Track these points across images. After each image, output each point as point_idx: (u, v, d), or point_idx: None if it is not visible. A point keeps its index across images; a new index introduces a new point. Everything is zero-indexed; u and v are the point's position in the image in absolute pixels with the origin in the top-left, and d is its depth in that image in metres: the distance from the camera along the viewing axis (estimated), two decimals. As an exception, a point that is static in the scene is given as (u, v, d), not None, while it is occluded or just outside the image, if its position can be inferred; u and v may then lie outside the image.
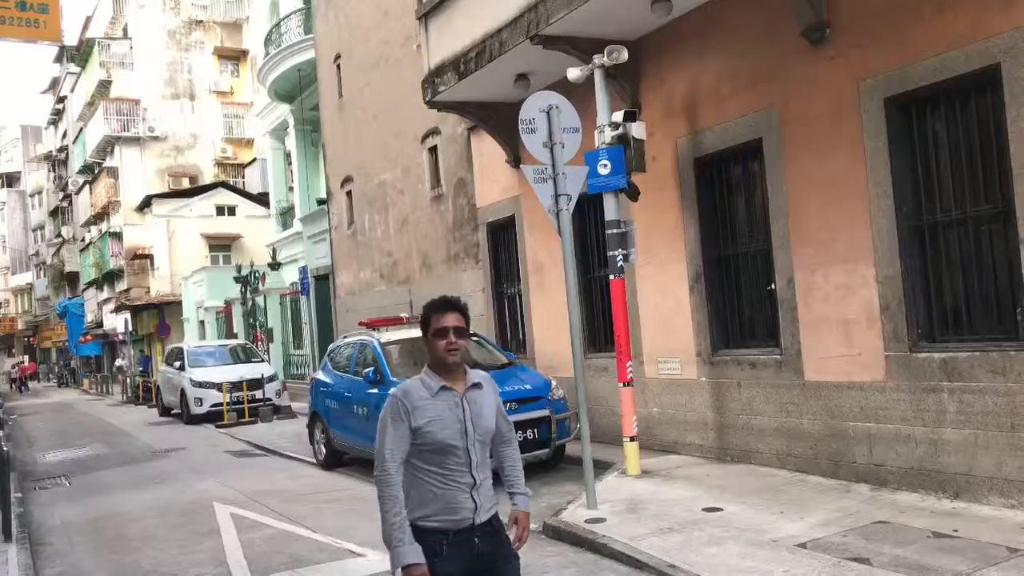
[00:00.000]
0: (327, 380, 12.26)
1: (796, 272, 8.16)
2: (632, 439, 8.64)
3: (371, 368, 10.77)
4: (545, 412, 9.67)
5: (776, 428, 8.46)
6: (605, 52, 8.55)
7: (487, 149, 13.65)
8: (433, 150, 15.97)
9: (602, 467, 9.15)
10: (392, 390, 3.31)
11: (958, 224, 6.93)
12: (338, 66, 20.15)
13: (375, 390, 10.41)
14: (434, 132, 15.73)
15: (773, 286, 8.50)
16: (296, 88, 24.64)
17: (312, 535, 8.03)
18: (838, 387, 7.77)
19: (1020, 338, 6.39)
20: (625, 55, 8.51)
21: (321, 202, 23.62)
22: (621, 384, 8.73)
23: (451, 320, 3.26)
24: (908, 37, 6.96)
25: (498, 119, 12.46)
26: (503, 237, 13.88)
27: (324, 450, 12.14)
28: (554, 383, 10.27)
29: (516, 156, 12.63)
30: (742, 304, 9.20)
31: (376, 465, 3.21)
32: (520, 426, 9.02)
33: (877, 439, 7.41)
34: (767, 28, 8.30)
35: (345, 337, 13.00)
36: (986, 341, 6.64)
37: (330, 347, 13.40)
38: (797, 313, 8.17)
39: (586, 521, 7.09)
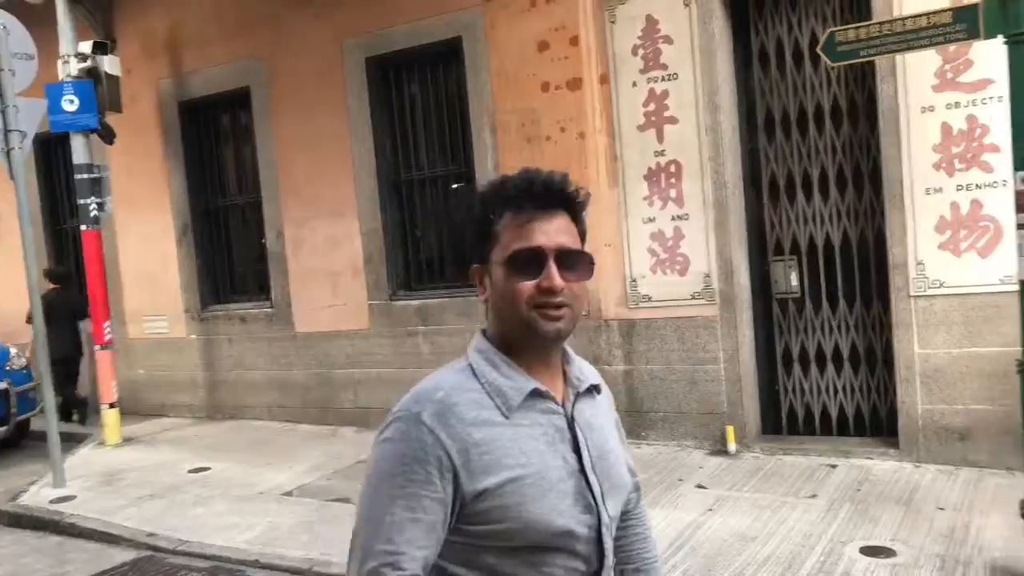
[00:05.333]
0: None
1: (286, 225, 8.17)
2: (112, 406, 7.91)
3: None
4: (2, 385, 8.34)
5: (268, 381, 8.44)
6: (68, -29, 7.52)
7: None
8: None
9: (78, 440, 8.23)
10: (413, 391, 1.42)
11: (431, 182, 7.56)
12: None
13: None
14: None
15: (264, 240, 8.41)
16: None
17: None
18: (327, 336, 8.00)
19: (478, 285, 7.20)
20: (91, -23, 7.58)
21: None
22: (98, 347, 7.92)
23: (555, 234, 1.43)
24: (387, 1, 7.32)
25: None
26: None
27: None
28: (14, 351, 8.90)
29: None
30: (233, 258, 8.96)
31: None
32: (-32, 403, 7.64)
33: (362, 383, 7.82)
34: (255, -27, 8.07)
35: None
36: (453, 288, 7.38)
37: None
38: (287, 266, 8.21)
39: (51, 501, 6.29)
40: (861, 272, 6.00)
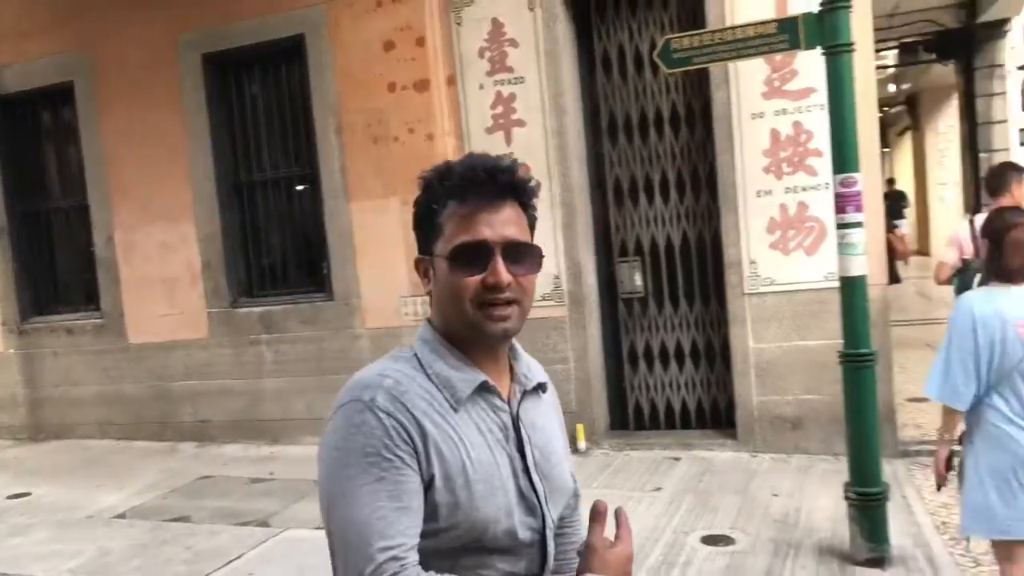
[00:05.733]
0: None
1: (116, 229, 7.66)
2: (-85, 430, 7.16)
3: None
4: None
5: (98, 397, 7.87)
6: None
7: None
8: None
9: None
10: (357, 380, 1.35)
11: (273, 184, 7.28)
12: None
13: None
14: None
15: (93, 246, 7.84)
16: None
17: None
18: (163, 347, 7.55)
19: (326, 290, 7.01)
20: None
21: None
22: None
23: (501, 226, 1.33)
24: (224, -5, 7.00)
25: None
26: None
27: None
28: None
29: None
30: (58, 265, 8.31)
31: None
32: None
33: (202, 396, 7.42)
34: (77, -40, 7.53)
35: None
36: (299, 294, 7.14)
37: None
38: (118, 273, 7.69)
39: None
40: (700, 271, 6.24)
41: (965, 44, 14.88)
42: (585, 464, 5.90)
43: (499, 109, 6.29)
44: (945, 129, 18.93)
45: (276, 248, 7.38)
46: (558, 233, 6.19)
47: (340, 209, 6.79)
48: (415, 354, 1.37)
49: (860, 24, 5.39)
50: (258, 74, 7.24)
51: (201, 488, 6.18)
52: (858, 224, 4.00)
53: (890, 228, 12.90)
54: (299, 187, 7.22)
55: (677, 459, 5.84)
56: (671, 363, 6.36)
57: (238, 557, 4.79)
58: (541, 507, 1.37)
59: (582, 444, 6.16)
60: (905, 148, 24.25)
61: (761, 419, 5.83)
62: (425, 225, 1.37)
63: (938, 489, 3.34)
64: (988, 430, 2.99)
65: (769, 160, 5.67)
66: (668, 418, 6.40)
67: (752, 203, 5.73)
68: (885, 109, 23.73)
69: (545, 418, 1.48)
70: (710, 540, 4.44)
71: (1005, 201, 5.00)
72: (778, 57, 5.39)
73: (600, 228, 6.47)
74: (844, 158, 3.98)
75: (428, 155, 6.43)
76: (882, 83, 20.13)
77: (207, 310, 7.33)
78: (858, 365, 4.01)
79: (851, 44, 3.92)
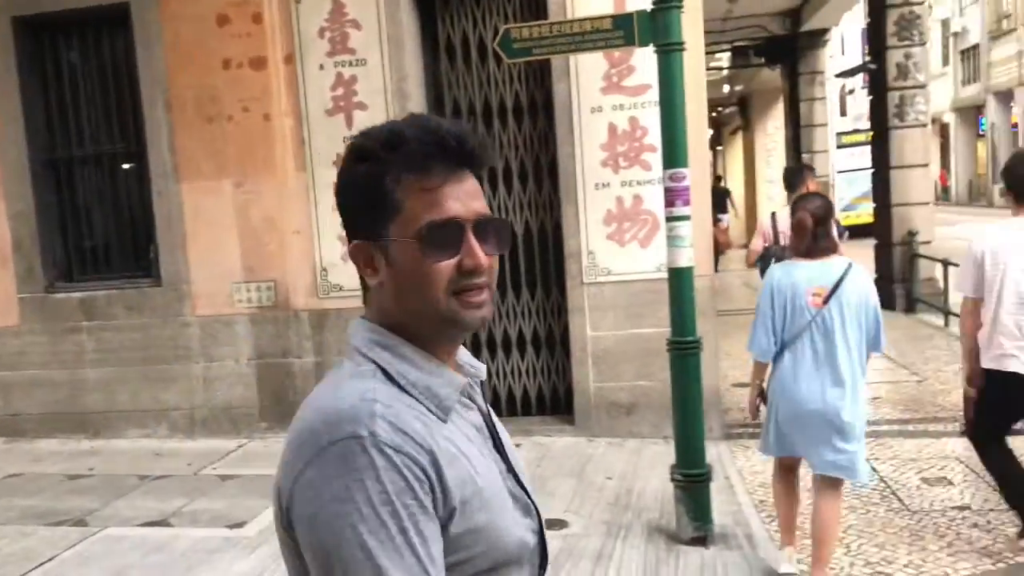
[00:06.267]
0: None
1: (-90, 206, 6.93)
2: None
3: None
4: None
5: None
6: None
7: None
8: None
9: None
10: (333, 410, 1.06)
11: (96, 161, 6.79)
12: None
13: None
14: None
15: None
16: None
17: None
18: (-33, 336, 6.91)
19: (154, 275, 6.62)
20: None
21: None
22: None
23: (470, 200, 1.14)
24: (39, -46, 6.46)
25: None
26: None
27: None
28: None
29: None
30: None
31: None
32: None
33: (14, 387, 6.85)
34: None
35: None
36: (123, 279, 6.71)
37: None
38: (-87, 254, 6.96)
39: None
40: (543, 261, 6.34)
41: (790, 51, 15.92)
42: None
43: (340, 91, 6.13)
44: (772, 130, 20.18)
45: (99, 230, 6.89)
46: (400, 220, 6.11)
47: (169, 190, 6.42)
48: (375, 364, 1.12)
49: (692, 25, 5.62)
50: (78, 42, 6.72)
51: (9, 487, 5.71)
52: (686, 217, 4.17)
53: (714, 221, 13.74)
54: (125, 165, 6.77)
55: (518, 445, 5.92)
56: (513, 351, 6.43)
57: (50, 559, 4.46)
58: (534, 505, 1.22)
59: (423, 432, 6.13)
60: (737, 146, 25.66)
61: (598, 405, 6.00)
62: (370, 203, 1.12)
63: (753, 419, 3.98)
64: (777, 379, 3.67)
65: (607, 154, 5.83)
66: (510, 405, 6.47)
67: (591, 195, 5.87)
68: (719, 109, 25.05)
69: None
70: (546, 524, 4.52)
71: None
72: (616, 53, 5.54)
73: (443, 216, 6.44)
74: (674, 154, 4.13)
75: (264, 136, 6.20)
76: (716, 84, 21.19)
77: (18, 295, 6.75)
78: (684, 352, 4.18)
79: (682, 43, 4.07)
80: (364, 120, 6.08)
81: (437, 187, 1.10)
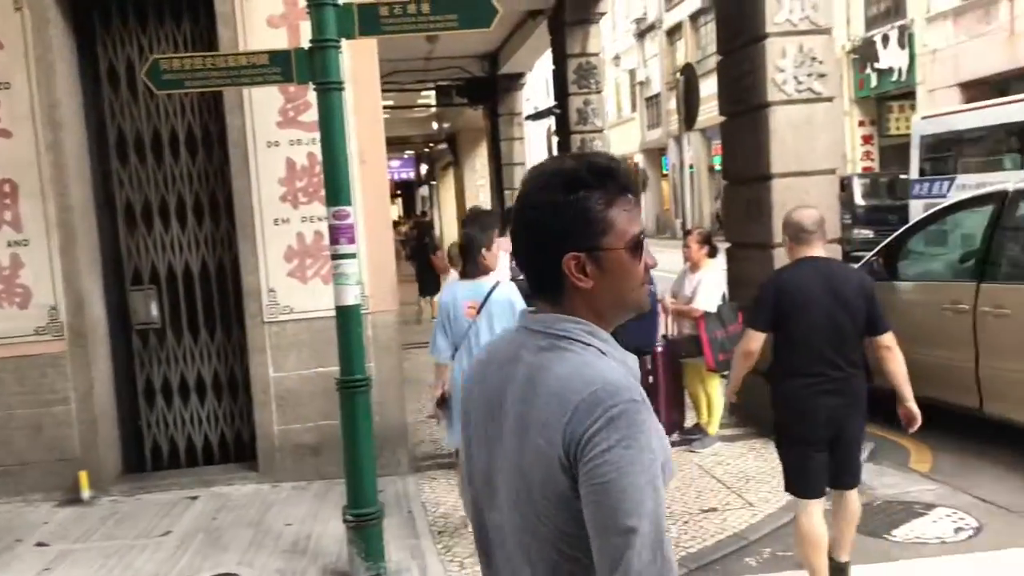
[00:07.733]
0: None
1: None
2: None
3: None
4: None
5: None
6: None
7: None
8: None
9: None
10: (608, 380, 1.33)
11: None
12: None
13: None
14: None
15: None
16: None
17: None
18: None
19: None
20: None
21: None
22: None
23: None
24: None
25: None
26: None
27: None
28: None
29: None
30: None
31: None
32: None
33: None
34: None
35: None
36: None
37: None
38: None
39: None
40: (221, 300, 6.05)
41: (491, 92, 16.75)
42: (87, 516, 5.33)
43: (-22, 116, 5.47)
44: (480, 167, 21.10)
45: None
46: (55, 259, 5.54)
47: None
48: (598, 349, 1.40)
49: (366, 62, 5.72)
50: None
51: None
52: (351, 255, 4.16)
53: (433, 251, 14.08)
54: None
55: (195, 498, 5.55)
56: (191, 396, 6.06)
57: None
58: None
59: (86, 493, 5.56)
60: (449, 181, 26.54)
61: (283, 448, 5.80)
62: (588, 221, 1.40)
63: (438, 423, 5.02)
64: (453, 376, 4.48)
65: (286, 189, 5.71)
66: (190, 455, 6.07)
67: (270, 231, 5.71)
68: (431, 145, 25.79)
69: None
70: (213, 581, 4.27)
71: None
72: (292, 88, 5.46)
73: (110, 254, 5.95)
74: (336, 190, 4.10)
75: None
76: (425, 121, 21.81)
77: None
78: (353, 390, 4.15)
79: (340, 82, 4.07)
80: (8, 149, 5.47)
81: (633, 207, 1.45)
